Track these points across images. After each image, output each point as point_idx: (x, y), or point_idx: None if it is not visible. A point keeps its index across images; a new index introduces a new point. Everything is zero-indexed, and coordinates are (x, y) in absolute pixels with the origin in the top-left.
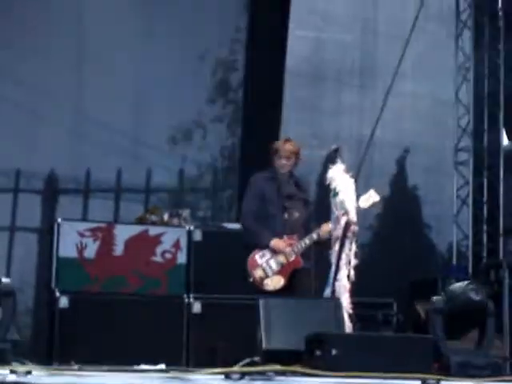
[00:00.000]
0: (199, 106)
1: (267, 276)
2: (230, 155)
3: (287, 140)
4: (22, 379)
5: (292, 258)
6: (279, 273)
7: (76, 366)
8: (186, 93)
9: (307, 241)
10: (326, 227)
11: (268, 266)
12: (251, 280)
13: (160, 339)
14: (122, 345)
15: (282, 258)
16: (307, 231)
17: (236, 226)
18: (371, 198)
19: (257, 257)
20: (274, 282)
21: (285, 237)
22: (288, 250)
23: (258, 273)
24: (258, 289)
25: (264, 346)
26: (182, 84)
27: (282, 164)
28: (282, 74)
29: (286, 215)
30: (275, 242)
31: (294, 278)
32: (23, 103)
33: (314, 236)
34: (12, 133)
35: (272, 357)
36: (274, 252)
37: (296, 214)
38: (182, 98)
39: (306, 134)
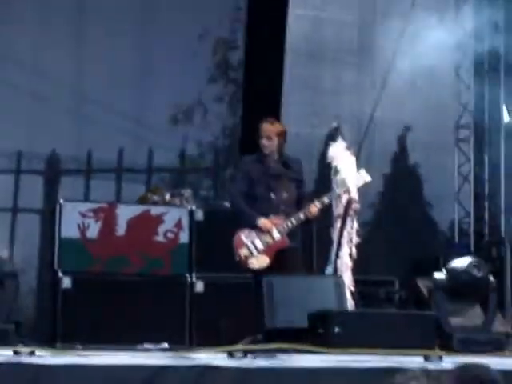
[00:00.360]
0: (200, 86)
1: (252, 255)
2: (231, 134)
3: (268, 120)
4: (25, 360)
5: (278, 238)
6: (264, 252)
7: (79, 346)
8: (187, 72)
9: (294, 221)
10: (314, 208)
11: (253, 246)
12: (237, 259)
13: (163, 319)
14: (124, 324)
15: (267, 238)
16: (300, 210)
17: None
18: (361, 177)
19: (243, 236)
20: (260, 262)
21: (271, 216)
22: (274, 229)
23: (243, 252)
24: (244, 268)
25: (267, 324)
26: (182, 64)
27: (263, 144)
28: (283, 52)
29: (272, 195)
30: (261, 222)
31: (280, 257)
32: (24, 85)
33: (301, 216)
34: (13, 114)
35: (275, 335)
36: (261, 231)
37: (284, 194)
38: (182, 77)
39: (306, 112)
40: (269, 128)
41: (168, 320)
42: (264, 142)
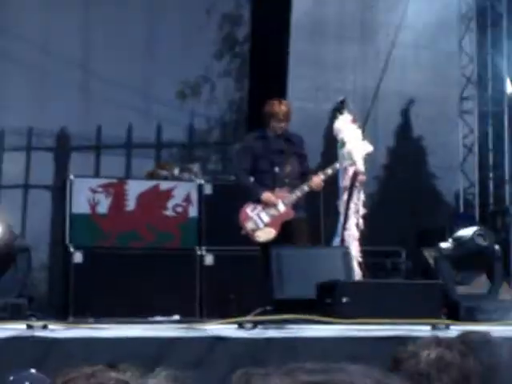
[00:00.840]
0: (206, 61)
1: (258, 228)
2: (238, 108)
3: (281, 102)
4: (38, 333)
5: (283, 210)
6: (270, 224)
7: (91, 320)
8: (194, 48)
9: (298, 193)
10: (317, 179)
11: (259, 219)
12: (244, 232)
13: (173, 291)
14: (136, 298)
15: (272, 210)
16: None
17: None
18: (364, 148)
19: (248, 210)
20: (266, 234)
21: (276, 190)
22: (279, 201)
23: (250, 225)
24: (251, 241)
25: (276, 295)
26: (189, 39)
27: (281, 126)
28: (287, 28)
29: (276, 169)
30: (266, 195)
31: (286, 229)
32: (33, 62)
33: (305, 188)
34: (23, 92)
35: (284, 306)
36: (266, 205)
37: (288, 168)
38: (189, 53)
39: (310, 87)
40: (287, 109)
41: (178, 293)
42: (282, 124)
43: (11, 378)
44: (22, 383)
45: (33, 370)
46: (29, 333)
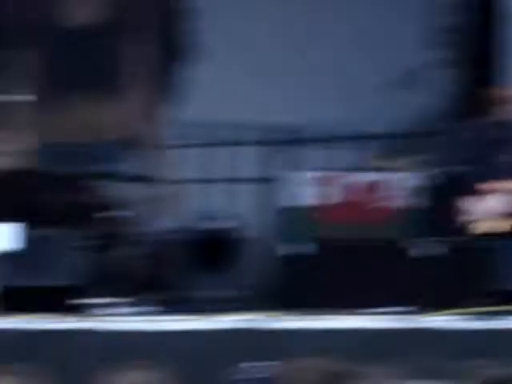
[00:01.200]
0: (418, 50)
1: (477, 219)
2: (452, 98)
3: (502, 88)
4: (256, 325)
5: (503, 201)
6: (490, 215)
7: (305, 311)
8: (406, 36)
9: None
10: None
11: (478, 209)
12: (461, 224)
13: (387, 284)
14: (349, 290)
15: (492, 202)
16: None
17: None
18: None
19: (466, 201)
20: (492, 226)
21: (495, 180)
22: (499, 192)
23: (468, 216)
24: (474, 233)
25: (500, 287)
26: (398, 28)
27: (502, 113)
28: (499, 15)
29: (494, 158)
30: (485, 186)
31: (508, 220)
32: (235, 56)
33: None
34: (228, 87)
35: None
36: (485, 195)
37: (506, 157)
38: (401, 41)
39: None
40: (508, 97)
41: (392, 284)
42: (504, 110)
43: (239, 370)
44: (249, 375)
45: (256, 363)
46: (248, 324)
